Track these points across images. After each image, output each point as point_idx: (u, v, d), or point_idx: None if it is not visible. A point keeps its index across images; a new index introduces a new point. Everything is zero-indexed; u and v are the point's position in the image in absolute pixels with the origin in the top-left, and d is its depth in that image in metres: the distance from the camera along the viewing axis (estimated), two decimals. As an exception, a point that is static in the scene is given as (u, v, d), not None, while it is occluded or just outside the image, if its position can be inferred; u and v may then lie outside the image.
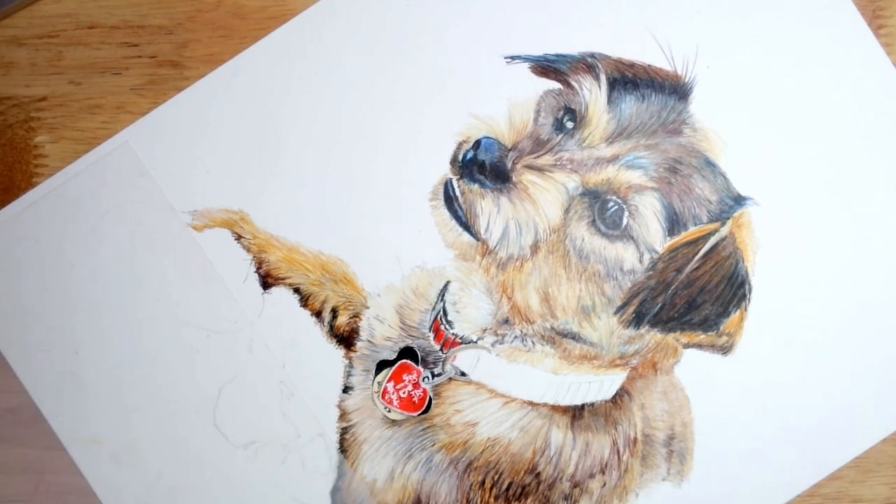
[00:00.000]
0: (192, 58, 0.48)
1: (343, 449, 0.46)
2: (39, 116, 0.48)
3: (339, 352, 0.46)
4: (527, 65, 0.47)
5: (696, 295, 0.45)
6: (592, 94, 0.46)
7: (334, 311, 0.47)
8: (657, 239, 0.45)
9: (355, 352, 0.46)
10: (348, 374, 0.46)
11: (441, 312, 0.46)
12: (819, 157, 0.46)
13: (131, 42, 0.48)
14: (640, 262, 0.45)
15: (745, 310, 0.45)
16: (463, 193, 0.46)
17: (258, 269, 0.47)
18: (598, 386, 0.46)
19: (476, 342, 0.46)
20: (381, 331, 0.46)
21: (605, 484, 0.46)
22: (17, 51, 0.48)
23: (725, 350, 0.45)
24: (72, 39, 0.48)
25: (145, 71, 0.48)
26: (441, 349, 0.46)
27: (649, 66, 0.46)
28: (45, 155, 0.48)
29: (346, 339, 0.47)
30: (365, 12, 0.47)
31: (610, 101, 0.46)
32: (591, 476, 0.46)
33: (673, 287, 0.45)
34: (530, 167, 0.45)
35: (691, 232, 0.45)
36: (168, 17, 0.48)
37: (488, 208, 0.45)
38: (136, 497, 0.46)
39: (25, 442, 0.46)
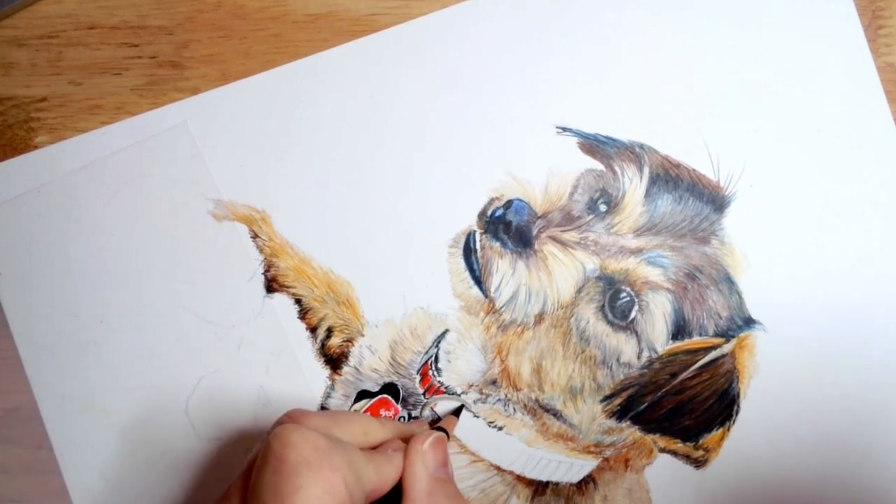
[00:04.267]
0: (192, 58, 0.50)
1: (304, 466, 0.48)
2: (39, 117, 0.50)
3: (325, 371, 0.48)
4: (576, 139, 0.48)
5: (684, 403, 0.47)
6: (633, 184, 0.48)
7: (329, 331, 0.48)
8: (660, 340, 0.47)
9: (340, 375, 0.48)
10: (327, 396, 0.48)
11: (433, 358, 0.48)
12: (839, 303, 0.47)
13: (131, 42, 0.50)
14: (638, 358, 0.47)
15: (728, 430, 0.47)
16: (483, 248, 0.48)
17: (266, 271, 0.48)
18: (567, 467, 0.47)
19: (459, 395, 0.48)
20: (370, 361, 0.48)
21: (550, 565, 0.47)
22: (17, 51, 0.50)
23: (699, 464, 0.47)
24: (72, 40, 0.50)
25: (145, 71, 0.50)
26: (424, 394, 0.48)
27: (694, 170, 0.48)
28: None
29: (333, 361, 0.48)
30: (430, 52, 0.49)
31: (648, 194, 0.48)
32: (539, 554, 0.47)
33: (663, 390, 0.47)
34: (554, 239, 0.47)
35: (694, 341, 0.47)
36: (168, 18, 0.50)
37: (504, 268, 0.47)
38: (97, 469, 0.47)
39: (26, 442, 0.48)
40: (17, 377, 0.48)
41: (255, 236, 0.49)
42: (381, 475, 0.38)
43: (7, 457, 0.48)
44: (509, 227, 0.48)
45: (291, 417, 0.38)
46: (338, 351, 0.48)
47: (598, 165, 0.48)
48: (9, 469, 0.48)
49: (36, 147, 0.49)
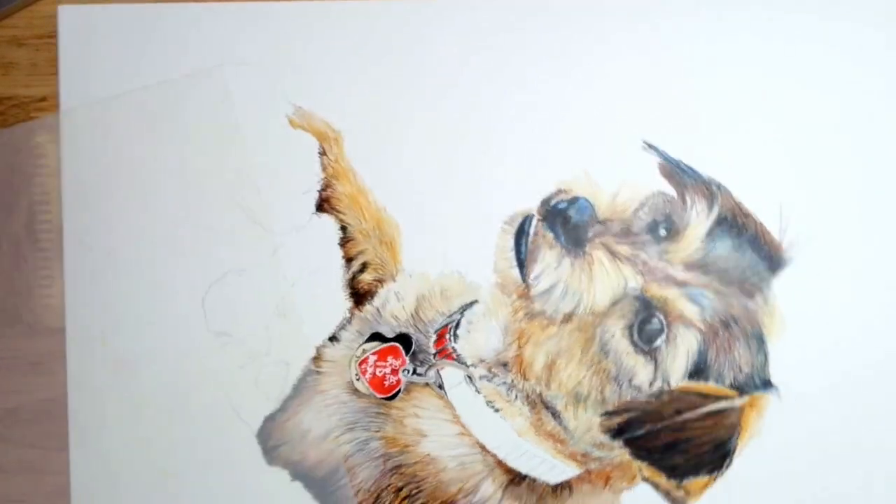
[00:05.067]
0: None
1: (298, 388, 0.48)
2: (39, 117, 0.49)
3: (347, 303, 0.49)
4: (658, 160, 0.48)
5: (680, 441, 0.47)
6: (699, 218, 0.48)
7: (364, 266, 0.49)
8: (676, 374, 0.47)
9: (360, 311, 0.48)
10: (342, 327, 0.48)
11: (454, 324, 0.48)
12: (864, 394, 0.48)
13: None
14: (650, 385, 0.47)
15: (714, 479, 0.48)
16: (535, 234, 0.48)
17: (322, 190, 0.49)
18: (548, 467, 0.48)
19: (468, 366, 0.48)
20: (393, 307, 0.48)
21: (503, 555, 0.48)
22: (17, 51, 0.50)
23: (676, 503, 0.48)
24: (73, 39, 0.50)
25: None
26: (435, 355, 0.48)
27: (761, 224, 0.48)
28: (45, 155, 0.49)
29: (359, 296, 0.49)
30: (562, 25, 0.49)
31: (710, 233, 0.48)
32: (496, 541, 0.48)
33: (664, 423, 0.47)
34: (606, 247, 0.48)
35: (709, 386, 0.47)
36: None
37: (549, 260, 0.48)
38: (99, 335, 0.48)
39: (25, 442, 0.48)
40: (17, 377, 0.48)
41: (322, 153, 0.49)
42: None
43: (7, 457, 0.48)
44: (567, 222, 0.48)
45: None
46: (366, 288, 0.49)
47: (671, 190, 0.48)
48: (9, 469, 0.48)
49: (36, 147, 0.49)
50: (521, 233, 0.48)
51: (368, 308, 0.49)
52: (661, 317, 0.47)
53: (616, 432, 0.48)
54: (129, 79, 0.49)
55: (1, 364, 0.48)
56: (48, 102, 0.49)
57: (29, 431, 0.48)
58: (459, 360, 0.48)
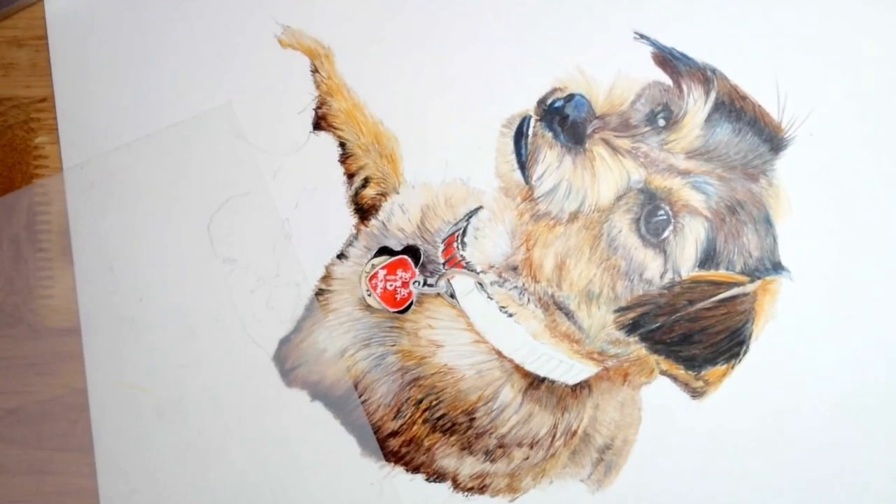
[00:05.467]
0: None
1: (310, 308, 0.48)
2: (39, 117, 0.50)
3: (352, 220, 0.48)
4: (651, 49, 0.48)
5: (695, 332, 0.47)
6: (696, 105, 0.48)
7: (366, 181, 0.49)
8: (686, 265, 0.47)
9: (366, 227, 0.48)
10: (349, 244, 0.48)
11: (461, 231, 0.48)
12: (871, 269, 0.47)
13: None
14: (661, 277, 0.47)
15: (732, 367, 0.47)
16: (534, 135, 0.48)
17: (318, 108, 0.49)
18: (566, 368, 0.48)
19: (478, 273, 0.48)
20: (399, 219, 0.48)
21: (527, 458, 0.48)
22: (17, 51, 0.50)
23: (696, 395, 0.47)
24: (73, 39, 0.50)
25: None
26: (444, 264, 0.48)
27: (759, 105, 0.48)
28: (45, 156, 0.49)
29: (363, 211, 0.49)
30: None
31: (708, 119, 0.48)
32: (519, 445, 0.48)
33: (678, 314, 0.47)
34: (606, 142, 0.47)
35: (720, 274, 0.47)
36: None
37: (550, 160, 0.47)
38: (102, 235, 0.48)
39: (26, 442, 0.48)
40: (17, 377, 0.48)
41: (314, 71, 0.49)
42: None
43: (7, 457, 0.48)
44: (565, 120, 0.48)
45: None
46: (370, 202, 0.49)
47: (666, 79, 0.48)
48: (9, 469, 0.48)
49: (36, 147, 0.49)
50: (520, 134, 0.48)
51: (374, 223, 0.49)
52: (667, 207, 0.47)
53: (631, 328, 0.47)
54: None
55: (1, 364, 0.48)
56: (48, 103, 0.49)
57: (29, 431, 0.48)
58: (469, 268, 0.48)
